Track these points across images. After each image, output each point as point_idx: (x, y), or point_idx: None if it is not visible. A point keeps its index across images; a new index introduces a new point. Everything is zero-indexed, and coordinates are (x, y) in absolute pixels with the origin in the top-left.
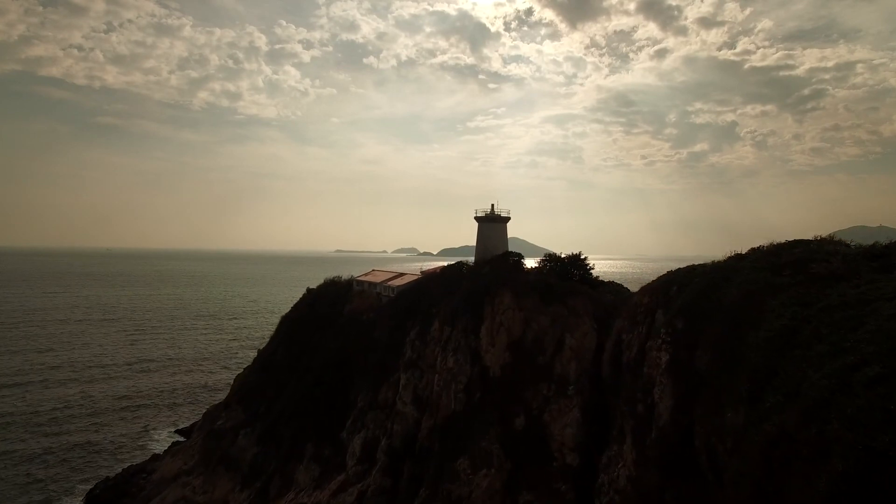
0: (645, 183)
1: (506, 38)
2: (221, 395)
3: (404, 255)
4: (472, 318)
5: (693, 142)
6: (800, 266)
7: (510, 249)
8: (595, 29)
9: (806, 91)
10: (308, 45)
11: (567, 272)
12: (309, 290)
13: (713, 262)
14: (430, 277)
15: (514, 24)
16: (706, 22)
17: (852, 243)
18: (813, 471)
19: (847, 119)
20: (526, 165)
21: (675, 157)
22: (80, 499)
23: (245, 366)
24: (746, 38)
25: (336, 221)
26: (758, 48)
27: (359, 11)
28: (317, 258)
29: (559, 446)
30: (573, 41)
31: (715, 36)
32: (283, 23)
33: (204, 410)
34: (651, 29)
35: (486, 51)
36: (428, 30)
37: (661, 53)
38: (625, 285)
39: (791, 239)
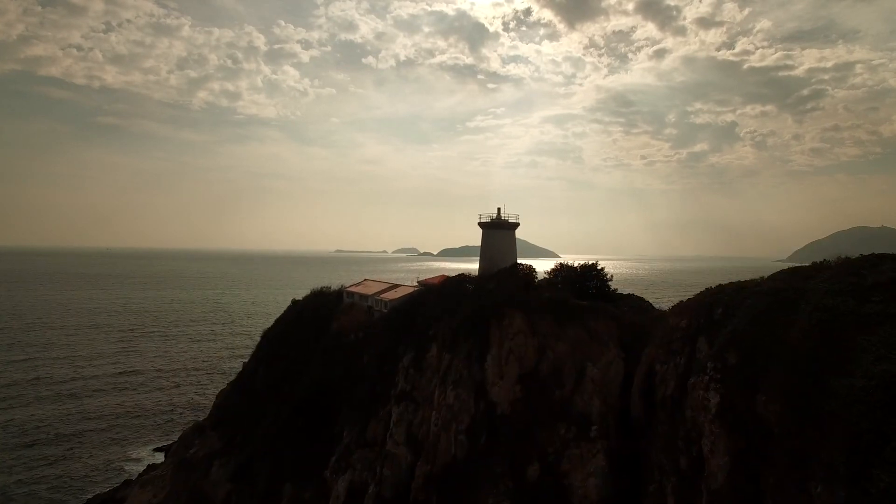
0: (645, 183)
1: (504, 39)
2: (205, 412)
3: (405, 255)
4: (477, 343)
5: (693, 142)
6: (894, 289)
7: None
8: (594, 29)
9: (805, 91)
10: (307, 45)
11: (582, 285)
12: (294, 303)
13: (765, 277)
14: (427, 291)
15: (512, 24)
16: (705, 22)
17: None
18: None
19: (847, 119)
20: (526, 165)
21: (674, 158)
22: None
23: (231, 380)
24: (745, 39)
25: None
26: (757, 48)
27: (357, 11)
28: (317, 258)
29: (581, 501)
30: (572, 41)
31: (714, 36)
32: (282, 23)
33: (187, 426)
34: (650, 29)
35: (484, 51)
36: (426, 30)
37: (660, 53)
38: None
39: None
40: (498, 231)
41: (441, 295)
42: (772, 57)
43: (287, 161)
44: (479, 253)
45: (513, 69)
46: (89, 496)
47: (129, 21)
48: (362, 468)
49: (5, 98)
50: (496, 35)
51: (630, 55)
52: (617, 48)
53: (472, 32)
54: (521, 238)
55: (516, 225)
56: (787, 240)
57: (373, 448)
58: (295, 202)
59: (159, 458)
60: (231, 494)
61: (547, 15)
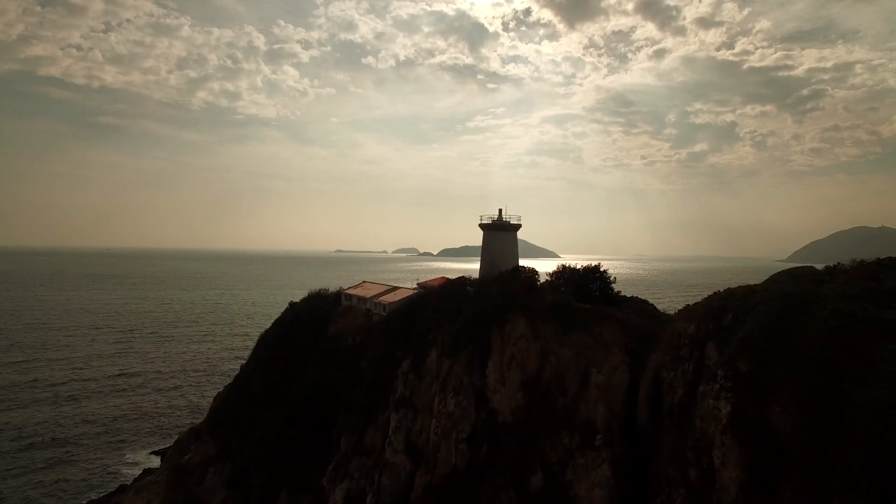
0: (645, 183)
1: (504, 39)
2: (202, 415)
3: (405, 255)
4: (478, 349)
5: (693, 142)
6: None
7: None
8: (593, 29)
9: (805, 91)
10: (307, 45)
11: (585, 287)
12: (291, 305)
13: (776, 282)
14: (426, 295)
15: (512, 25)
16: (704, 22)
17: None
18: None
19: (846, 119)
20: (525, 165)
21: (674, 158)
22: None
23: (229, 383)
24: (745, 39)
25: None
26: (756, 48)
27: (357, 11)
28: (317, 258)
29: None
30: (571, 41)
31: (713, 36)
32: (282, 23)
33: (184, 428)
34: (649, 29)
35: (484, 51)
36: (426, 30)
37: (660, 54)
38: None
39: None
40: (499, 233)
41: (441, 298)
42: (771, 57)
43: (287, 161)
44: (479, 253)
45: (512, 69)
46: (85, 501)
47: (128, 21)
48: (360, 476)
49: (5, 98)
50: (496, 35)
51: (630, 55)
52: (617, 48)
53: (472, 32)
54: (521, 238)
55: (518, 226)
56: (787, 240)
57: (371, 455)
58: (295, 202)
59: (156, 461)
60: (226, 502)
61: (546, 15)
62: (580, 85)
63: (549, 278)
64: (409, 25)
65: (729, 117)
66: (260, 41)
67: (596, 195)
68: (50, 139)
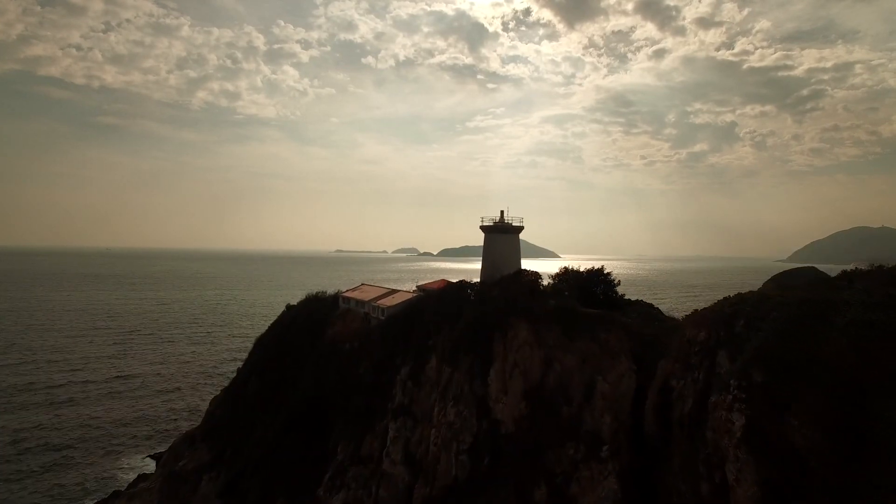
0: (645, 183)
1: (504, 39)
2: (200, 419)
3: (405, 255)
4: (479, 356)
5: (692, 142)
6: None
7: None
8: (593, 29)
9: (805, 91)
10: (306, 44)
11: (588, 290)
12: (288, 308)
13: (786, 286)
14: (426, 298)
15: (511, 24)
16: (704, 22)
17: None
18: None
19: (846, 119)
20: (525, 165)
21: (674, 158)
22: None
23: (226, 386)
24: (745, 39)
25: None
26: (756, 48)
27: (357, 11)
28: (317, 258)
29: None
30: (571, 41)
31: (713, 36)
32: (282, 23)
33: (182, 432)
34: (649, 29)
35: (484, 51)
36: (426, 30)
37: (660, 54)
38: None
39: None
40: (501, 235)
41: (441, 301)
42: (771, 57)
43: (287, 161)
44: (479, 253)
45: (512, 69)
46: None
47: (128, 21)
48: (357, 487)
49: (5, 98)
50: (495, 35)
51: (629, 55)
52: (616, 48)
53: (472, 32)
54: (521, 238)
55: (520, 228)
56: (788, 240)
57: (368, 465)
58: (295, 202)
59: (153, 466)
60: None
61: (546, 15)
62: (580, 85)
63: (551, 281)
64: (408, 25)
65: (729, 117)
66: (260, 41)
67: (596, 195)
68: (50, 139)
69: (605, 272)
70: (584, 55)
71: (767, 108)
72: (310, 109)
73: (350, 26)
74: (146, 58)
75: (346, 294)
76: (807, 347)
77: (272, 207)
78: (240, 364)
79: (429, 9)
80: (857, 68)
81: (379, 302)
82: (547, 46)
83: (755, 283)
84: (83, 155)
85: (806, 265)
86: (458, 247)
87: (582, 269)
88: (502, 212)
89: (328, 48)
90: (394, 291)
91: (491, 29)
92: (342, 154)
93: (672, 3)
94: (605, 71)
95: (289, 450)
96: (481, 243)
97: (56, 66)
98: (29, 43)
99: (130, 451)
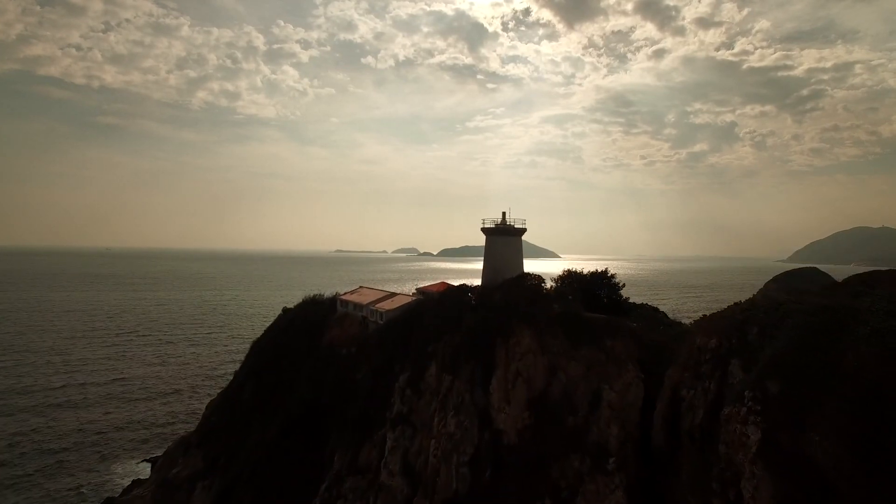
0: (644, 183)
1: (504, 39)
2: (197, 422)
3: (404, 255)
4: (480, 363)
5: (692, 142)
6: None
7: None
8: (593, 29)
9: (805, 91)
10: (306, 44)
11: (592, 294)
12: (285, 311)
13: (807, 291)
14: (425, 302)
15: (511, 24)
16: (704, 22)
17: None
18: None
19: (846, 119)
20: (525, 165)
21: (674, 158)
22: None
23: (222, 390)
24: (744, 39)
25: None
26: (756, 49)
27: (356, 11)
28: (316, 258)
29: None
30: (571, 41)
31: (713, 36)
32: (281, 23)
33: (179, 436)
34: (649, 29)
35: (484, 51)
36: (426, 30)
37: (659, 54)
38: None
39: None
40: (503, 237)
41: (441, 306)
42: (771, 57)
43: (287, 161)
44: (479, 253)
45: (512, 69)
46: None
47: (128, 21)
48: (354, 498)
49: (5, 98)
50: (495, 35)
51: (629, 55)
52: (616, 48)
53: (472, 32)
54: (523, 238)
55: (523, 231)
56: (788, 240)
57: (366, 476)
58: (295, 202)
59: (149, 470)
60: None
61: (546, 15)
62: (580, 85)
63: (553, 283)
64: (408, 25)
65: (728, 117)
66: (259, 41)
67: (596, 195)
68: (49, 139)
69: (609, 275)
70: (583, 55)
71: (767, 108)
72: (310, 109)
73: (350, 26)
74: (146, 58)
75: (344, 297)
76: (826, 358)
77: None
78: (237, 367)
79: (428, 9)
80: (857, 68)
81: (377, 305)
82: (547, 46)
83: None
84: (83, 155)
85: (807, 265)
86: (458, 247)
87: (585, 272)
88: (504, 213)
89: (328, 48)
90: (392, 295)
91: (491, 29)
92: (342, 154)
93: (672, 3)
94: (604, 71)
95: (284, 458)
96: (481, 243)
97: (56, 65)
98: (28, 43)
99: (127, 454)
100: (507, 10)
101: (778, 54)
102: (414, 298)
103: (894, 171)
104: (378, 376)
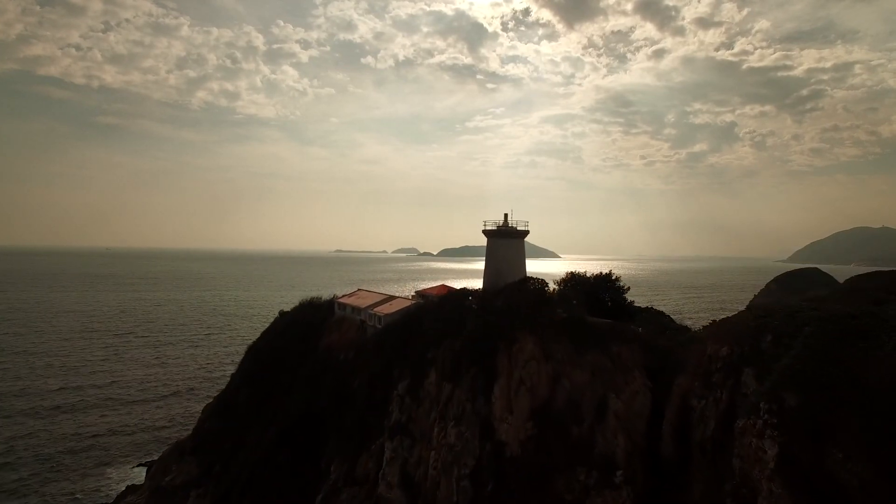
0: (644, 183)
1: (503, 39)
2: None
3: (404, 255)
4: (482, 371)
5: (692, 142)
6: None
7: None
8: (592, 29)
9: (804, 92)
10: (306, 44)
11: (596, 297)
12: (281, 314)
13: (822, 295)
14: (425, 307)
15: (511, 25)
16: (704, 22)
17: None
18: None
19: (846, 120)
20: (525, 165)
21: (674, 158)
22: None
23: (218, 394)
24: (744, 39)
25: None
26: (755, 49)
27: (356, 11)
28: (316, 258)
29: None
30: (571, 41)
31: (712, 36)
32: (281, 23)
33: (176, 440)
34: (649, 29)
35: (483, 51)
36: (425, 30)
37: (659, 54)
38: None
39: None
40: (505, 240)
41: (441, 310)
42: (771, 57)
43: (287, 161)
44: (479, 253)
45: (512, 69)
46: None
47: (127, 21)
48: None
49: (4, 98)
50: (495, 35)
51: (629, 55)
52: (616, 48)
53: (471, 32)
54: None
55: (525, 233)
56: (788, 240)
57: (363, 487)
58: (295, 202)
59: (144, 475)
60: None
61: (546, 15)
62: (579, 85)
63: (556, 286)
64: (408, 25)
65: (728, 117)
66: (259, 41)
67: (596, 195)
68: (49, 139)
69: (614, 277)
70: (583, 55)
71: (767, 108)
72: (309, 109)
73: (349, 26)
74: (146, 58)
75: (342, 300)
76: (848, 368)
77: (272, 207)
78: (235, 369)
79: (428, 9)
80: (857, 68)
81: (376, 309)
82: (546, 46)
83: (757, 284)
84: (83, 155)
85: (807, 266)
86: (458, 247)
87: (589, 275)
88: (506, 215)
89: (328, 48)
90: (391, 298)
91: (490, 29)
92: (342, 154)
93: (671, 3)
94: (604, 71)
95: (280, 467)
96: (482, 243)
97: (55, 65)
98: (28, 43)
99: (123, 458)
100: (506, 10)
101: (778, 54)
102: (413, 302)
103: (894, 171)
104: (376, 383)
